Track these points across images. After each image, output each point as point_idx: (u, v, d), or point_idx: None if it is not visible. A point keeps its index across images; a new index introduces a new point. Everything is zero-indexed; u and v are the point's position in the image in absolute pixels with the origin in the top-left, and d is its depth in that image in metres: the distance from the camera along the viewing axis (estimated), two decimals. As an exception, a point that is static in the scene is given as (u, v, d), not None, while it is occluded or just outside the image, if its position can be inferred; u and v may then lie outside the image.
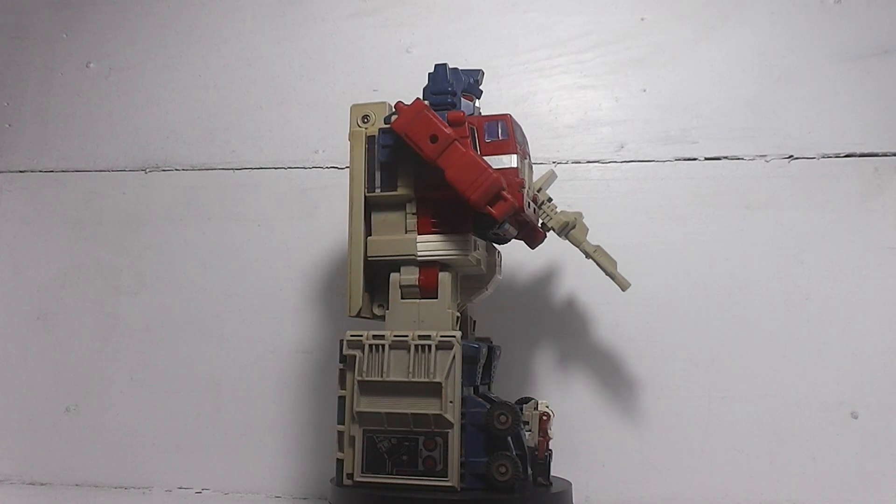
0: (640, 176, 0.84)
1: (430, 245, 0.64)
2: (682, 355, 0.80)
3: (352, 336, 0.63)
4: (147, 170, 0.92)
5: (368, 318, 0.67)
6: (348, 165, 0.67)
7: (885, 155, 0.81)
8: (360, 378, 0.62)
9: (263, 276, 0.87)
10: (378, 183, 0.65)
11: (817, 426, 0.77)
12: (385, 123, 0.65)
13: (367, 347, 0.62)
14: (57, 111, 0.95)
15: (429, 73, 0.68)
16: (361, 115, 0.67)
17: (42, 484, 0.87)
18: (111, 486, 0.86)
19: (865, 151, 0.81)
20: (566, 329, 0.82)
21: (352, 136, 0.67)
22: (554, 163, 0.85)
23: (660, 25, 0.87)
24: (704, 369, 0.79)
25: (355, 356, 0.63)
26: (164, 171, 0.92)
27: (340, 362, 0.64)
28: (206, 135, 0.92)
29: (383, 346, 0.62)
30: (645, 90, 0.86)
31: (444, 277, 0.64)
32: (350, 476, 0.62)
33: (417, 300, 0.64)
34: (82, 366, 0.89)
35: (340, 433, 0.63)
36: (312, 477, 0.82)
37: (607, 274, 0.70)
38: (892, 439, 0.76)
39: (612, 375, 0.80)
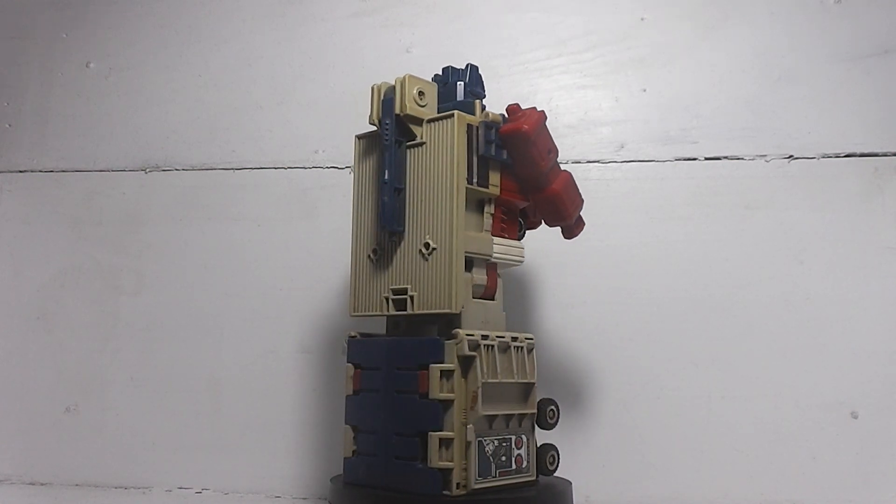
0: (640, 176, 0.84)
1: (502, 248, 0.65)
2: (682, 355, 0.80)
3: (469, 335, 0.59)
4: (147, 170, 0.92)
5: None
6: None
7: (885, 155, 0.81)
8: (484, 381, 0.59)
9: (263, 276, 0.87)
10: (475, 177, 0.62)
11: (817, 426, 0.77)
12: (486, 121, 0.63)
13: (483, 349, 0.59)
14: (57, 111, 0.95)
15: (444, 69, 0.67)
16: (417, 89, 0.62)
17: (42, 484, 0.87)
18: (111, 486, 0.86)
19: (865, 151, 0.81)
20: (566, 328, 0.82)
21: (457, 120, 0.61)
22: (554, 163, 0.85)
23: (660, 25, 0.87)
24: (704, 369, 0.79)
25: (475, 357, 0.59)
26: (164, 171, 0.92)
27: (437, 363, 0.58)
28: (206, 135, 0.92)
29: (493, 346, 0.60)
30: (645, 90, 0.86)
31: (499, 280, 0.65)
32: (460, 485, 0.57)
33: (483, 301, 0.63)
34: (82, 366, 0.89)
35: (444, 440, 0.57)
36: (312, 477, 0.82)
37: None
38: (892, 439, 0.76)
39: (612, 375, 0.80)
